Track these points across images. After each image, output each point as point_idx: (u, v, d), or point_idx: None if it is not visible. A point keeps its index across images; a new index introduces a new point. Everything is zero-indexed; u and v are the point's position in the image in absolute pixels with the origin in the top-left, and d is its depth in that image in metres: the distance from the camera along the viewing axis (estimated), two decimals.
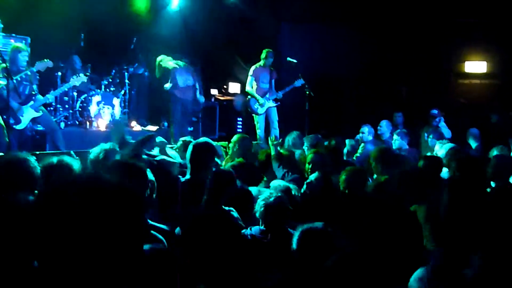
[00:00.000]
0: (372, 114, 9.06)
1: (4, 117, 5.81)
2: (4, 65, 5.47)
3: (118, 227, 1.31)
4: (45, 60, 6.52)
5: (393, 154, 5.74)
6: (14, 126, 6.30)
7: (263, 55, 8.76)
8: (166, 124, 9.85)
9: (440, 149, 6.32)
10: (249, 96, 8.86)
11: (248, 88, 8.86)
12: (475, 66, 11.14)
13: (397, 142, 7.24)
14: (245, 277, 2.56)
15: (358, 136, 7.79)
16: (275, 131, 8.71)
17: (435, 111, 8.59)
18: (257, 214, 3.42)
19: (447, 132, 8.38)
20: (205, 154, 4.22)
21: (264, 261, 3.12)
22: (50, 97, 6.85)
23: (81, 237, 1.28)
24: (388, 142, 7.76)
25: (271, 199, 3.37)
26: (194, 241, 2.45)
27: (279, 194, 3.48)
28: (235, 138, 5.80)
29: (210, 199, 3.64)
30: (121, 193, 1.36)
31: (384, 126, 8.17)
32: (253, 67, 8.85)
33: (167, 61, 8.77)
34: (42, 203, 1.36)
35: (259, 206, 3.39)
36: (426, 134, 8.37)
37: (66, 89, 7.80)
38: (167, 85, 8.64)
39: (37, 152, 5.55)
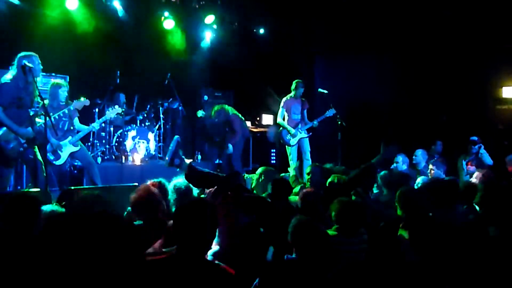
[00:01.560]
0: (408, 144, 8.89)
1: (43, 152, 5.98)
2: (42, 102, 5.64)
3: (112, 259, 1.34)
4: (82, 99, 6.67)
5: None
6: (54, 162, 6.48)
7: (293, 86, 8.80)
8: (200, 157, 9.99)
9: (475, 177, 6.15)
10: (281, 128, 8.87)
11: (279, 120, 8.88)
12: None
13: (433, 172, 7.06)
14: None
15: (392, 166, 7.64)
16: (308, 162, 8.65)
17: (475, 138, 8.37)
18: None
19: (488, 160, 8.13)
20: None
21: None
22: (97, 125, 7.02)
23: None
24: (424, 172, 7.59)
25: None
26: None
27: None
28: (260, 170, 5.80)
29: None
30: (120, 227, 1.39)
31: (420, 155, 7.97)
32: (284, 99, 8.88)
33: (226, 107, 9.24)
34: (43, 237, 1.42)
35: None
36: (464, 161, 8.16)
37: (103, 121, 7.96)
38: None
39: (73, 188, 5.69)
